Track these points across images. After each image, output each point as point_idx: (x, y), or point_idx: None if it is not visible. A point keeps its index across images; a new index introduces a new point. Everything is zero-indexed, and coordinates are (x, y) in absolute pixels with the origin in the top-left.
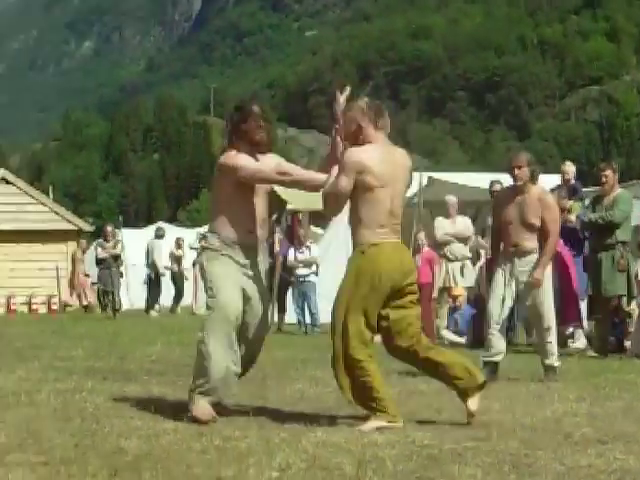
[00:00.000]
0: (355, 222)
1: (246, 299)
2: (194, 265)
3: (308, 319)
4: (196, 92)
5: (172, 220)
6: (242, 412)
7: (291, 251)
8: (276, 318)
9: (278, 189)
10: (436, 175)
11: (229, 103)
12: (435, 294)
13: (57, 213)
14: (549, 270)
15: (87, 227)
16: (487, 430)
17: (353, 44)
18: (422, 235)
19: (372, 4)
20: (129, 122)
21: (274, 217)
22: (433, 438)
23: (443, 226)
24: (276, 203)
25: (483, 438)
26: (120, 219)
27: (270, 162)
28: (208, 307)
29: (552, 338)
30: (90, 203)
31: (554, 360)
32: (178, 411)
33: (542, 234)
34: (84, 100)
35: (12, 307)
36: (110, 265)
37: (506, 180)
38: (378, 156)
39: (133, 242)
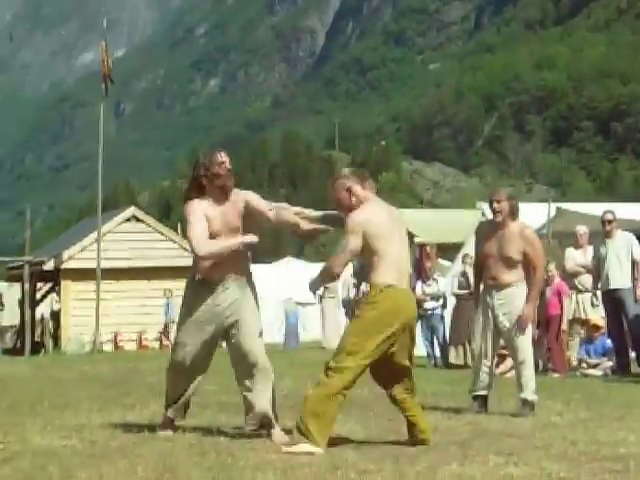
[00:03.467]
0: (368, 270)
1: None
2: (320, 300)
3: (437, 352)
4: (321, 127)
5: (299, 255)
6: (375, 445)
7: (419, 284)
8: None
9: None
10: (564, 205)
11: (354, 138)
12: (564, 326)
13: (186, 249)
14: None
15: None
16: (624, 462)
17: (477, 76)
18: (552, 266)
19: (495, 35)
20: (255, 158)
21: None
22: (569, 470)
23: (573, 257)
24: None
25: (620, 470)
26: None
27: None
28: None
29: (528, 372)
30: None
31: (529, 394)
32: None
33: (526, 268)
34: (211, 137)
35: (144, 343)
36: None
37: (631, 209)
38: (377, 211)
39: (261, 277)
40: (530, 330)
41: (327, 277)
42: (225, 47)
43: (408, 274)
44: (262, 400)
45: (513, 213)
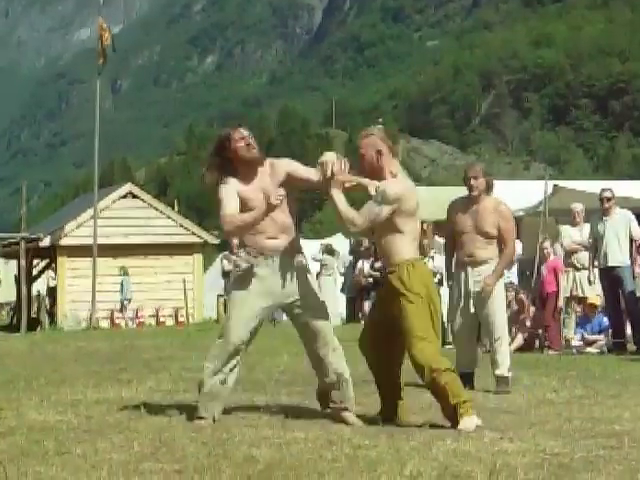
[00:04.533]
0: (389, 246)
1: (283, 304)
2: (317, 277)
3: None
4: (318, 104)
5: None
6: (371, 421)
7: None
8: None
9: None
10: (561, 183)
11: (351, 115)
12: (561, 303)
13: (183, 226)
14: (501, 282)
15: (213, 240)
16: (618, 438)
17: (474, 53)
18: (548, 243)
19: (493, 13)
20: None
21: None
22: (564, 446)
23: (570, 234)
24: None
25: (615, 446)
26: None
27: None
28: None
29: (503, 348)
30: (214, 216)
31: (505, 370)
32: (307, 420)
33: (499, 244)
34: (207, 114)
35: (140, 319)
36: None
37: (629, 187)
38: (410, 188)
39: None
40: (503, 306)
41: (344, 226)
42: (222, 24)
43: None
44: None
45: (488, 189)
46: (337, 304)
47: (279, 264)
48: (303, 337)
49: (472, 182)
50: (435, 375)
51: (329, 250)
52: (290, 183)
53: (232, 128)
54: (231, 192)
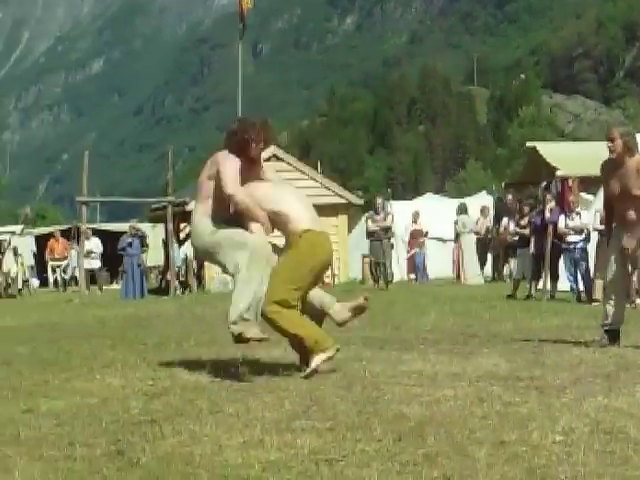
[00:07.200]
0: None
1: None
2: (456, 239)
3: (581, 286)
4: (459, 62)
5: (439, 191)
6: (520, 378)
7: (562, 218)
8: (548, 286)
9: (544, 154)
10: None
11: (493, 72)
12: None
13: (327, 187)
14: None
15: (357, 200)
16: None
17: (618, 5)
18: None
19: None
20: (393, 95)
21: (544, 184)
22: None
23: None
24: (546, 170)
25: None
26: (389, 191)
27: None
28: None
29: None
30: (357, 177)
31: None
32: (456, 378)
33: None
34: (348, 75)
35: None
36: (381, 237)
37: None
38: None
39: (403, 214)
40: None
41: None
42: None
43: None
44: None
45: (629, 149)
46: (475, 263)
47: None
48: None
49: (609, 144)
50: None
51: (463, 209)
52: None
53: (252, 127)
54: (236, 167)
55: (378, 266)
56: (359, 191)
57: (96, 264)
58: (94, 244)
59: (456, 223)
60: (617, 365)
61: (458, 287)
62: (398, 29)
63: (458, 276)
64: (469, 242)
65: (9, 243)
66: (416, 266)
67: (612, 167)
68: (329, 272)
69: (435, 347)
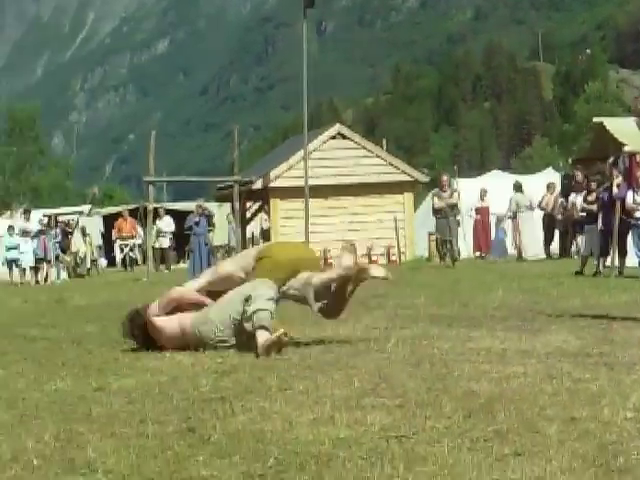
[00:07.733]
0: None
1: None
2: (515, 215)
3: None
4: (524, 38)
5: (505, 168)
6: (589, 355)
7: (629, 194)
8: (617, 262)
9: (611, 129)
10: None
11: (558, 47)
12: None
13: (393, 165)
14: None
15: (423, 178)
16: None
17: None
18: None
19: None
20: (458, 72)
21: (611, 160)
22: None
23: None
24: (613, 146)
25: None
26: (455, 168)
27: None
28: None
29: None
30: (423, 154)
31: None
32: (525, 355)
33: None
34: (413, 52)
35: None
36: (447, 214)
37: None
38: None
39: (469, 191)
40: None
41: None
42: None
43: None
44: None
45: None
46: (537, 239)
47: None
48: None
49: None
50: None
51: (518, 187)
52: None
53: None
54: None
55: (444, 243)
56: (425, 168)
57: (165, 243)
58: (165, 223)
59: (510, 201)
60: None
61: (524, 264)
62: (462, 5)
63: (520, 254)
64: (525, 220)
65: (77, 223)
66: (498, 242)
67: None
68: (395, 250)
69: (503, 324)
